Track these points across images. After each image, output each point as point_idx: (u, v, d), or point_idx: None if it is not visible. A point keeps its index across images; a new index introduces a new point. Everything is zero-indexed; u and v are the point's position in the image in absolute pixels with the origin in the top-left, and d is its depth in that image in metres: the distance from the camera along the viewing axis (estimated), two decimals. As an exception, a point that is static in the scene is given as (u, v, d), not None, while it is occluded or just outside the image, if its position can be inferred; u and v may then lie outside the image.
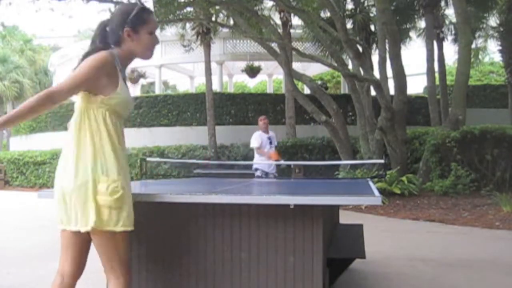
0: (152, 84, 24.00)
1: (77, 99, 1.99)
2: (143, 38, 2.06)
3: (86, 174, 1.90)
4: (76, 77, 1.90)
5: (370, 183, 3.26)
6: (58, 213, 1.97)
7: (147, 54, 2.10)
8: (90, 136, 1.94)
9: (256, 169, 7.30)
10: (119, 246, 1.95)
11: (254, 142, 7.43)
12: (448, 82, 16.39)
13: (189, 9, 12.51)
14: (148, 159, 8.25)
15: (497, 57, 21.62)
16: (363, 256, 2.70)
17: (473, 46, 13.80)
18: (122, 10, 2.05)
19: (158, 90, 19.57)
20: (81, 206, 1.90)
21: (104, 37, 2.05)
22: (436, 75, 15.62)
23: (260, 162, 7.35)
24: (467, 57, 9.96)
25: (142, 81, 21.51)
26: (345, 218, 4.46)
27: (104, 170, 1.92)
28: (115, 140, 1.98)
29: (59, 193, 1.95)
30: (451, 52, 17.36)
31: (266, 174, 7.18)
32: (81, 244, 2.01)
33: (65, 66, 21.18)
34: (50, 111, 18.24)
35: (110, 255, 1.94)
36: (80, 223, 1.91)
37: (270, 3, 13.11)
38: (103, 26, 2.07)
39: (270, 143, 7.47)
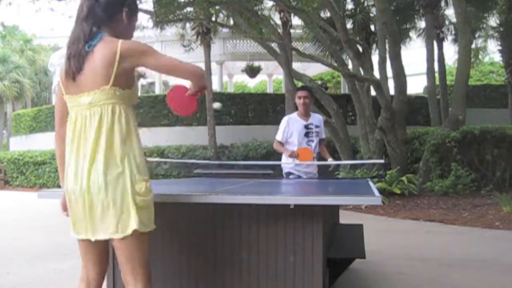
0: (152, 84, 24.00)
1: (99, 95, 1.79)
2: (132, 27, 1.97)
3: (120, 176, 1.77)
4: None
5: (370, 183, 3.26)
6: (77, 221, 1.84)
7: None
8: (120, 135, 1.79)
9: (289, 173, 4.58)
10: (144, 249, 1.87)
11: (278, 133, 4.65)
12: (448, 82, 16.41)
13: (189, 9, 12.50)
14: (148, 159, 8.25)
15: (497, 57, 21.63)
16: (363, 256, 2.70)
17: (473, 46, 13.82)
18: None
19: (158, 90, 19.57)
20: (116, 210, 1.76)
21: (92, 14, 1.84)
22: (436, 75, 15.63)
23: (289, 162, 4.55)
24: (467, 57, 9.96)
25: (142, 81, 21.51)
26: (345, 218, 4.46)
27: (139, 170, 1.82)
28: (139, 137, 1.89)
29: (76, 200, 1.81)
30: (451, 52, 17.48)
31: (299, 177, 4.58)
32: (104, 245, 1.92)
33: (65, 66, 21.16)
34: (50, 111, 18.26)
35: (136, 259, 1.82)
36: (112, 230, 1.77)
37: (270, 3, 13.10)
38: (90, 1, 1.85)
39: (307, 134, 4.53)
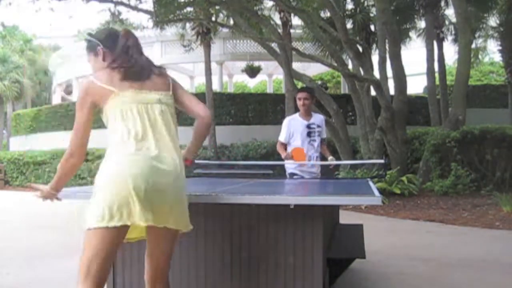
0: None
1: (164, 96, 2.02)
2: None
3: (182, 170, 1.96)
4: None
5: (370, 183, 3.26)
6: (151, 211, 1.82)
7: None
8: (176, 131, 2.03)
9: (293, 174, 4.56)
10: None
11: (280, 134, 4.66)
12: (448, 82, 16.39)
13: (189, 9, 12.50)
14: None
15: (497, 57, 21.62)
16: (363, 256, 2.70)
17: (473, 46, 13.82)
18: None
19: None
20: (185, 204, 1.96)
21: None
22: (436, 75, 15.62)
23: (292, 162, 4.51)
24: (467, 57, 9.96)
25: None
26: (345, 218, 4.46)
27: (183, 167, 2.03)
28: None
29: (159, 180, 1.85)
30: (451, 52, 17.38)
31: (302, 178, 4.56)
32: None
33: (65, 66, 21.19)
34: (50, 111, 18.28)
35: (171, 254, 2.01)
36: (185, 222, 1.95)
37: (270, 3, 13.10)
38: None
39: (309, 134, 4.52)
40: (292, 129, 4.53)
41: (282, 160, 4.59)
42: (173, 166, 1.89)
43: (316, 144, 4.52)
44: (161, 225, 1.85)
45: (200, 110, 2.10)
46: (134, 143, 1.87)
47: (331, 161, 4.49)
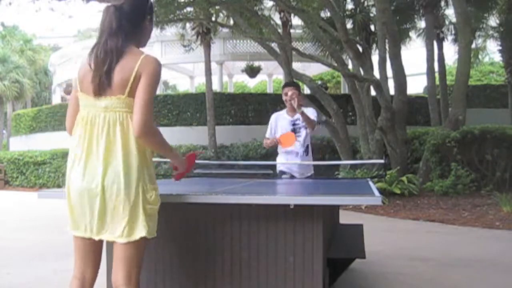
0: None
1: (114, 101, 1.84)
2: (151, 29, 2.03)
3: (134, 182, 1.82)
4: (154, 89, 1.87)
5: (370, 183, 3.26)
6: (79, 220, 1.88)
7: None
8: (135, 142, 1.84)
9: (282, 172, 4.42)
10: (143, 252, 1.93)
11: (267, 131, 4.55)
12: (448, 82, 16.40)
13: (189, 9, 12.50)
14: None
15: (497, 57, 21.61)
16: (363, 256, 2.70)
17: (473, 46, 13.80)
18: None
19: (158, 90, 19.53)
20: (125, 216, 1.81)
21: (121, 27, 1.87)
22: (436, 75, 15.62)
23: (284, 162, 4.41)
24: (467, 57, 9.96)
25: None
26: (345, 218, 4.46)
27: (150, 178, 1.89)
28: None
29: (87, 199, 1.83)
30: (451, 52, 17.38)
31: (292, 177, 4.37)
32: (101, 246, 1.97)
33: (65, 66, 21.20)
34: (50, 111, 18.28)
35: (134, 262, 1.87)
36: (119, 233, 1.82)
37: (270, 3, 13.10)
38: (117, 13, 1.88)
39: (294, 131, 4.36)
40: (277, 125, 4.44)
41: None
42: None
43: (301, 138, 4.36)
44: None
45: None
46: None
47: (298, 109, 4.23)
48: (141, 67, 1.82)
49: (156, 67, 1.86)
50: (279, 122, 4.46)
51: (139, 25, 1.94)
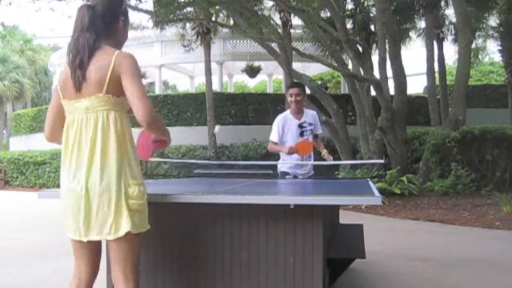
0: (152, 84, 24.02)
1: (94, 101, 1.87)
2: (127, 31, 2.07)
3: (114, 179, 1.84)
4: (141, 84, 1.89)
5: (370, 183, 3.26)
6: (71, 223, 1.92)
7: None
8: (115, 140, 1.87)
9: (285, 173, 4.43)
10: (137, 248, 1.94)
11: (271, 134, 4.49)
12: (448, 82, 16.40)
13: (189, 9, 12.50)
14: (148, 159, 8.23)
15: (497, 57, 21.61)
16: (363, 256, 2.70)
17: (473, 46, 13.80)
18: None
19: (158, 90, 19.57)
20: (110, 212, 1.84)
21: (93, 25, 1.91)
22: (436, 75, 15.62)
23: (287, 162, 4.43)
24: (467, 57, 9.96)
25: (142, 81, 21.51)
26: (345, 218, 4.46)
27: (132, 174, 1.90)
28: (133, 142, 1.97)
29: (75, 201, 1.87)
30: (451, 52, 17.39)
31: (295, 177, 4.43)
32: (97, 247, 2.00)
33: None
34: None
35: (128, 259, 1.90)
36: (106, 231, 1.85)
37: (270, 3, 13.10)
38: (90, 11, 1.92)
39: (302, 134, 4.37)
40: (285, 128, 4.38)
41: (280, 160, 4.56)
42: None
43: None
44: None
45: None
46: None
47: (325, 155, 4.40)
48: (117, 64, 1.85)
49: (132, 60, 1.89)
50: (287, 126, 4.39)
51: (112, 25, 1.97)
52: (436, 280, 3.71)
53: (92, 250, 1.99)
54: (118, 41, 2.02)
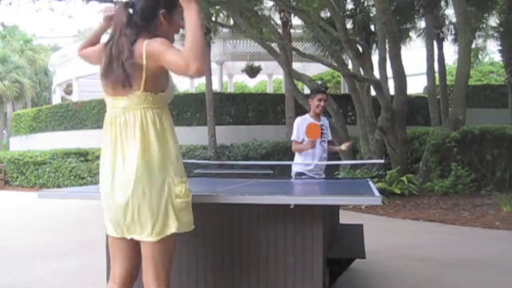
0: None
1: (132, 100, 1.81)
2: (174, 26, 1.92)
3: (160, 179, 1.79)
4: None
5: (370, 183, 3.26)
6: (112, 219, 1.85)
7: (173, 39, 1.92)
8: (155, 138, 1.81)
9: (301, 174, 4.47)
10: (174, 251, 1.89)
11: (293, 135, 4.58)
12: (448, 82, 16.39)
13: (189, 9, 12.48)
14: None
15: (497, 57, 21.60)
16: (363, 256, 2.70)
17: (473, 46, 13.80)
18: None
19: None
20: (154, 212, 1.77)
21: (133, 23, 1.83)
22: (436, 75, 15.62)
23: (303, 162, 4.50)
24: (467, 57, 9.96)
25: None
26: (345, 218, 4.46)
27: (176, 172, 1.84)
28: (176, 138, 1.91)
29: (113, 201, 1.82)
30: (451, 52, 17.34)
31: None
32: (132, 247, 1.90)
33: (65, 66, 21.20)
34: (50, 111, 18.26)
35: (165, 262, 1.83)
36: (147, 232, 1.78)
37: (270, 3, 13.10)
38: (129, 9, 1.84)
39: (321, 135, 4.43)
40: (302, 129, 4.47)
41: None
42: None
43: (325, 145, 4.52)
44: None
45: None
46: None
47: (345, 146, 4.65)
48: (147, 53, 1.75)
49: (159, 40, 1.78)
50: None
51: (152, 21, 1.85)
52: (436, 280, 3.71)
53: (136, 250, 1.89)
54: (163, 34, 1.86)
